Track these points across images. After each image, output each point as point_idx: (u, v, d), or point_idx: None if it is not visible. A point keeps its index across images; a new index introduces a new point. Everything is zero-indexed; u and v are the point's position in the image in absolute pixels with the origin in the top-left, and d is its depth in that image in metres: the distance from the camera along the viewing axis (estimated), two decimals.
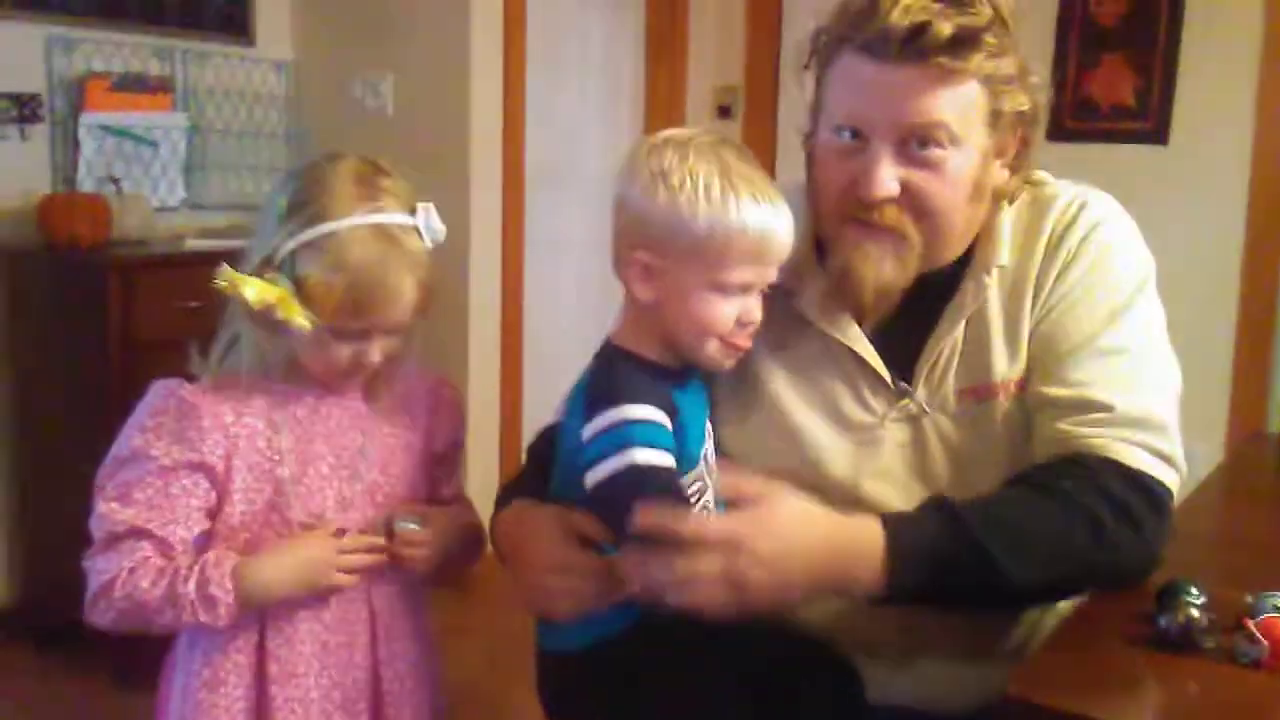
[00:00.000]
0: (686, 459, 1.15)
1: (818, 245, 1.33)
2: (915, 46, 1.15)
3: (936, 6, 1.16)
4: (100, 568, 1.25)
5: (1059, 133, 3.70)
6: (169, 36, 3.22)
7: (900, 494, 1.27)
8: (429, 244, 1.28)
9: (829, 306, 1.30)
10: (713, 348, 1.16)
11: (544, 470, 1.29)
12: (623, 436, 1.09)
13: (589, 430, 1.11)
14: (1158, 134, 3.63)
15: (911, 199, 1.20)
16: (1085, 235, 1.28)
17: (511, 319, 3.59)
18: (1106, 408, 1.20)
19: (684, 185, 1.10)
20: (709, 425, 1.24)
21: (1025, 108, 1.23)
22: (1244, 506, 1.66)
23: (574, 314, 4.01)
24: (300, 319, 1.22)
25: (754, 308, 1.16)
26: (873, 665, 1.29)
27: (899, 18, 1.15)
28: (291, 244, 1.24)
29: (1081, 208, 1.30)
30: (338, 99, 3.51)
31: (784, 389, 1.33)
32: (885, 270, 1.24)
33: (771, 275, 1.16)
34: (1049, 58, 3.73)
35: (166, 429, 1.26)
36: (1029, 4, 4.32)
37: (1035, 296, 1.27)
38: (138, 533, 1.24)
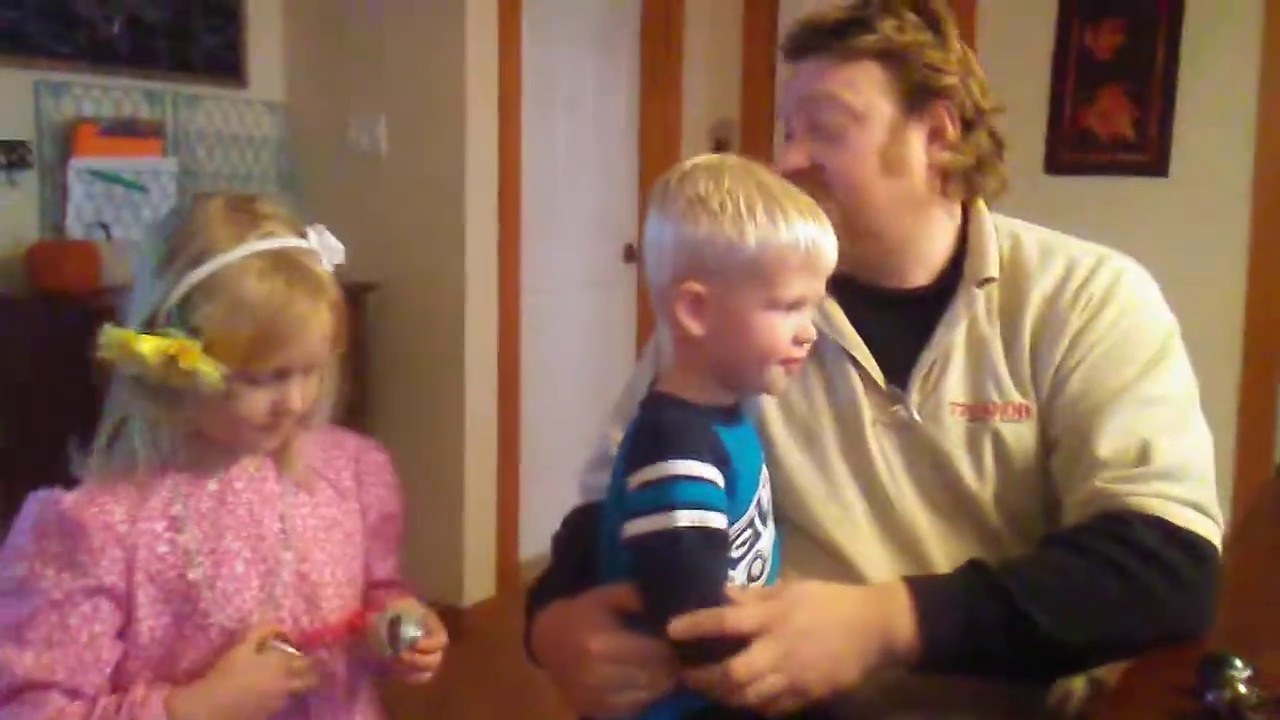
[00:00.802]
0: (738, 506, 1.12)
1: None
2: (813, 39, 1.31)
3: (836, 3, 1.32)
4: None
5: (1058, 166, 3.68)
6: (159, 80, 3.18)
7: (892, 501, 1.29)
8: (329, 266, 1.17)
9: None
10: (775, 373, 1.13)
11: (574, 562, 1.26)
12: (667, 494, 1.05)
13: (635, 479, 1.08)
14: (1158, 166, 3.61)
15: (821, 172, 1.28)
16: (1111, 284, 1.29)
17: (508, 358, 3.55)
18: (1145, 460, 1.19)
19: (725, 207, 1.08)
20: (764, 471, 1.20)
21: (944, 84, 1.29)
22: (1268, 561, 1.62)
23: (571, 353, 3.97)
24: (208, 368, 1.09)
25: (808, 324, 1.14)
26: None
27: (804, 21, 1.33)
28: (178, 291, 1.11)
29: (1101, 258, 1.32)
30: (332, 141, 3.48)
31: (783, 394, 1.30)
32: None
33: (821, 289, 1.14)
34: (1045, 91, 3.73)
35: (51, 553, 1.11)
36: (1024, 38, 4.33)
37: (1042, 330, 1.28)
38: (42, 685, 1.09)
